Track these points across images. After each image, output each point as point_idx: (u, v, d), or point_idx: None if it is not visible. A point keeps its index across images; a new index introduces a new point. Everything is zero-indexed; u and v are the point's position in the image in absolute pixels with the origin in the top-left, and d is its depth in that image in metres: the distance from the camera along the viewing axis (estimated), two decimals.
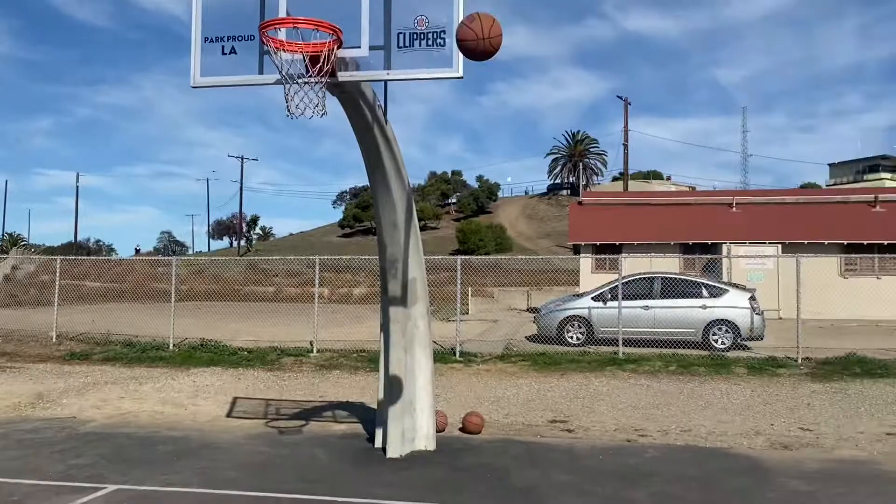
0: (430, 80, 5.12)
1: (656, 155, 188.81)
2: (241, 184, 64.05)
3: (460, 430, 8.30)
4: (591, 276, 23.27)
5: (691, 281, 15.36)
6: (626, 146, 46.64)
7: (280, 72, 4.82)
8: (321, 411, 9.53)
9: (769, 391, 10.99)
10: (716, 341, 14.53)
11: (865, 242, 22.18)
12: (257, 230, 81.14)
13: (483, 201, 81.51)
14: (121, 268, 37.33)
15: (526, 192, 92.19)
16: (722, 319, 14.54)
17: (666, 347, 14.22)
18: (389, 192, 6.53)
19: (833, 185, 79.78)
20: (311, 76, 4.76)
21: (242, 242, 67.40)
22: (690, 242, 23.16)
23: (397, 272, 6.97)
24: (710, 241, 23.05)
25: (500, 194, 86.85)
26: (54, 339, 15.98)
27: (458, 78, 4.89)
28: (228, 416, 9.27)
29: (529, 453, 7.34)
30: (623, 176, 54.52)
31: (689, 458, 7.20)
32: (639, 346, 14.18)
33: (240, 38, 5.15)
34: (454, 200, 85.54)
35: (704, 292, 14.86)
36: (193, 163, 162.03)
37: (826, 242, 22.24)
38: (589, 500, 5.70)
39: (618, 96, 45.37)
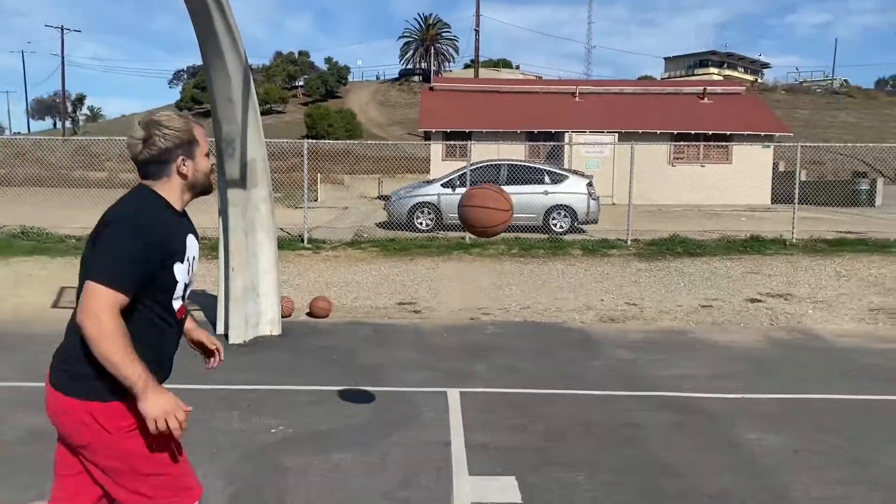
0: None
1: (506, 43, 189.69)
2: (63, 58, 57.86)
3: (307, 314, 8.25)
4: (441, 163, 23.46)
5: (535, 168, 15.82)
6: (477, 32, 46.55)
7: None
8: None
9: (601, 270, 11.73)
10: (555, 225, 15.22)
11: (693, 132, 23.72)
12: (84, 110, 74.34)
13: (332, 85, 78.85)
14: None
15: (377, 77, 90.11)
16: (561, 205, 15.19)
17: (509, 232, 14.73)
18: (223, 61, 6.05)
19: (667, 77, 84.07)
20: None
21: (68, 124, 61.58)
22: (536, 131, 23.75)
23: (234, 152, 6.58)
24: (553, 130, 23.76)
25: (350, 78, 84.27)
26: None
27: None
28: (55, 306, 8.66)
29: (377, 334, 7.44)
30: (474, 63, 54.54)
31: (526, 333, 7.60)
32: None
33: None
34: (301, 83, 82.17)
35: (547, 179, 15.39)
36: (4, 33, 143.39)
37: (658, 132, 23.60)
38: (432, 375, 5.88)
39: None
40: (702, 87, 26.52)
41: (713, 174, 23.64)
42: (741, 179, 23.51)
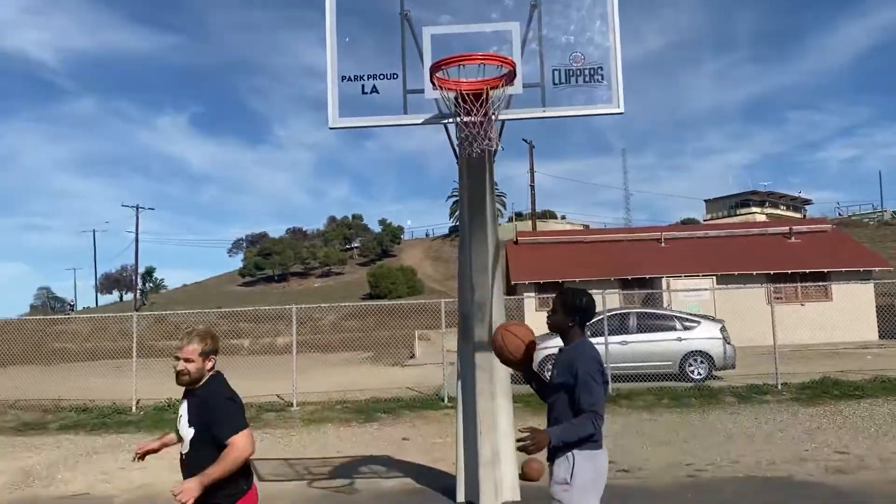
0: (589, 116, 5.04)
1: (544, 195, 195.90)
2: (137, 234, 60.95)
3: (519, 476, 8.04)
4: (535, 314, 23.56)
5: (665, 314, 15.80)
6: (532, 187, 47.94)
7: (440, 110, 4.60)
8: (356, 468, 9.03)
9: (771, 418, 11.35)
10: (692, 372, 14.96)
11: (789, 272, 23.66)
12: (150, 282, 77.15)
13: (387, 245, 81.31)
14: (10, 327, 34.45)
15: (427, 235, 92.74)
16: (697, 351, 15.00)
17: (641, 381, 14.48)
18: (485, 235, 6.35)
19: (710, 219, 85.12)
20: (476, 114, 4.57)
21: (137, 296, 63.76)
22: (630, 277, 23.93)
23: (484, 316, 6.75)
24: (647, 276, 23.92)
25: (402, 237, 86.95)
26: None
27: (620, 114, 4.85)
28: (261, 479, 8.59)
29: (615, 497, 7.19)
30: (525, 216, 56.07)
31: (772, 490, 7.29)
32: (618, 381, 14.37)
33: (381, 77, 4.90)
34: (357, 245, 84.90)
35: (678, 325, 15.32)
36: (63, 214, 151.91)
37: (755, 273, 23.58)
38: None
39: (523, 139, 46.60)
40: (787, 228, 26.74)
41: (814, 312, 23.31)
42: (844, 316, 23.12)
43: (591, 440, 3.63)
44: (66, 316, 43.85)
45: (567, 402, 3.69)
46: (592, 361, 3.67)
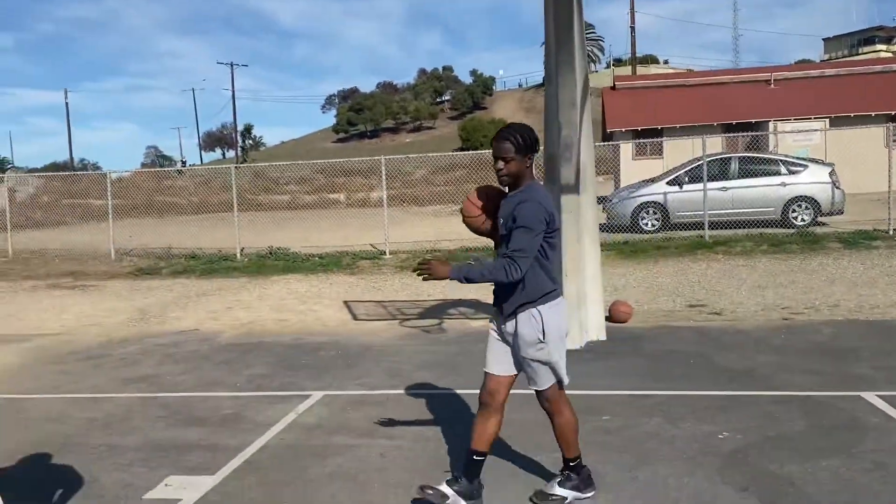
0: None
1: (647, 39, 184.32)
2: (233, 92, 62.17)
3: (606, 318, 8.05)
4: (631, 162, 22.84)
5: (770, 158, 14.98)
6: (632, 29, 45.12)
7: None
8: (445, 309, 9.28)
9: (879, 264, 10.83)
10: (795, 218, 14.31)
11: None
12: (249, 139, 79.37)
13: (478, 97, 79.80)
14: (121, 183, 36.40)
15: (520, 85, 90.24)
16: (803, 196, 14.26)
17: (742, 228, 13.97)
18: (573, 64, 6.00)
19: (828, 59, 78.47)
20: None
21: (238, 152, 65.90)
22: (734, 122, 22.63)
23: (571, 156, 6.51)
24: (753, 120, 22.54)
25: (494, 88, 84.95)
26: (113, 257, 15.56)
27: None
28: (356, 319, 8.99)
29: (703, 337, 7.12)
30: (625, 62, 53.21)
31: (872, 332, 7.02)
32: (716, 229, 13.92)
33: None
34: (448, 98, 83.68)
35: (783, 169, 14.51)
36: (166, 74, 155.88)
37: (873, 114, 21.80)
38: (822, 379, 5.49)
39: None
40: None
41: None
42: None
43: (552, 292, 3.35)
44: (181, 169, 45.86)
45: None
46: (537, 206, 3.22)
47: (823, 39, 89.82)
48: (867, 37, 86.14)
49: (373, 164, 23.20)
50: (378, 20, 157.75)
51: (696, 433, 4.43)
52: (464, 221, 3.58)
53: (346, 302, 10.17)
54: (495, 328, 3.54)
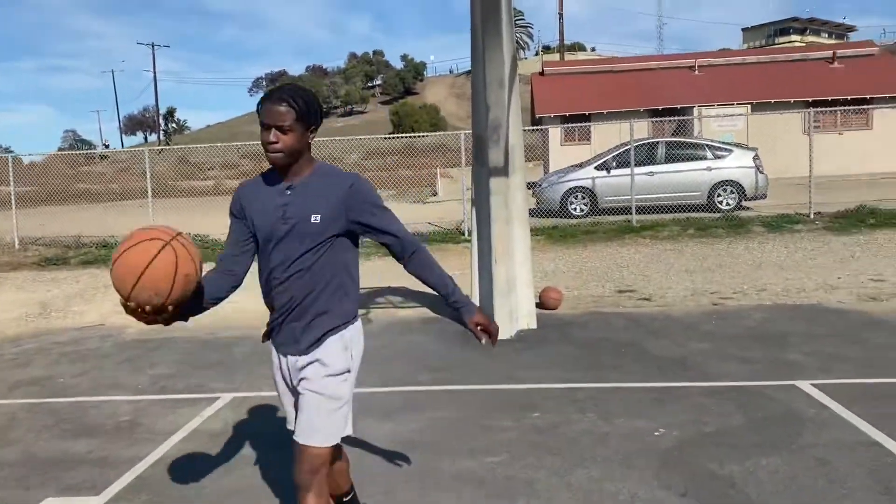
0: None
1: (573, 27, 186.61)
2: (154, 73, 59.73)
3: (537, 305, 7.81)
4: (560, 149, 22.83)
5: (695, 143, 15.07)
6: (561, 15, 45.33)
7: None
8: (372, 299, 8.86)
9: (802, 247, 10.96)
10: (720, 202, 14.44)
11: (829, 98, 22.36)
12: (172, 123, 76.62)
13: (410, 82, 79.12)
14: (35, 169, 34.42)
15: (451, 71, 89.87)
16: (727, 180, 14.39)
17: (668, 212, 14.01)
18: (500, 41, 5.67)
19: (746, 48, 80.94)
20: None
21: (160, 136, 63.49)
22: (660, 108, 22.84)
23: (499, 138, 6.20)
24: (678, 106, 22.81)
25: (425, 74, 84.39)
26: (17, 246, 14.51)
27: None
28: None
29: (635, 324, 6.94)
30: (553, 49, 53.48)
31: (798, 317, 6.96)
32: (644, 213, 13.91)
33: None
34: (379, 82, 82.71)
35: (708, 154, 14.61)
36: (84, 55, 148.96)
37: (792, 101, 22.35)
38: (756, 367, 5.36)
39: None
40: (831, 52, 25.03)
41: (852, 142, 22.30)
42: (883, 146, 22.11)
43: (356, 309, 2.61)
44: (105, 153, 43.69)
45: (339, 253, 2.50)
46: (369, 185, 2.54)
47: (742, 29, 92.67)
48: (783, 27, 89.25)
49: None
50: (307, 2, 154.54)
51: (630, 430, 4.19)
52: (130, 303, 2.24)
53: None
54: (280, 367, 2.64)
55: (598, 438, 4.08)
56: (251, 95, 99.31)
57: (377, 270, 10.99)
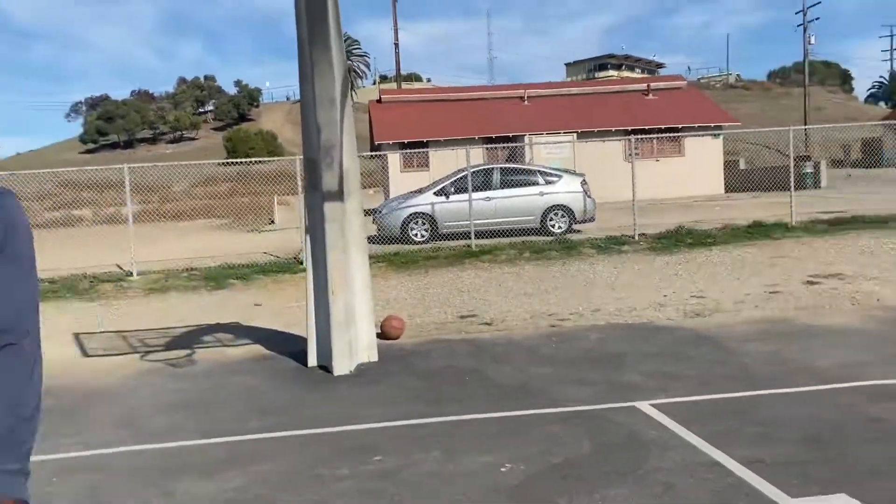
0: None
1: (410, 57, 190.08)
2: None
3: (378, 335, 7.51)
4: (400, 175, 22.81)
5: (528, 169, 15.48)
6: (396, 46, 45.90)
7: None
8: (198, 337, 8.17)
9: (630, 267, 11.44)
10: (553, 226, 14.87)
11: (646, 127, 24.00)
12: None
13: (244, 108, 76.75)
14: None
15: (287, 98, 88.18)
16: (558, 205, 14.86)
17: (506, 236, 14.25)
18: (330, 58, 5.35)
19: (570, 81, 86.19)
20: None
21: None
22: (494, 136, 23.45)
23: (333, 161, 5.86)
24: (510, 134, 23.53)
25: (261, 100, 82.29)
26: None
27: None
28: (86, 356, 7.59)
29: (479, 350, 6.81)
30: (390, 79, 54.04)
31: (633, 336, 7.14)
32: (482, 238, 14.06)
33: None
34: (212, 108, 79.58)
35: (541, 179, 15.05)
36: None
37: (613, 129, 23.76)
38: (597, 389, 5.34)
39: None
40: (645, 85, 26.97)
41: (667, 168, 24.02)
42: (695, 171, 24.01)
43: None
44: None
45: None
46: (27, 232, 1.56)
47: (565, 64, 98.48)
48: (601, 63, 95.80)
49: (119, 175, 20.87)
50: (129, 25, 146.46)
51: (477, 468, 3.95)
52: None
53: (76, 335, 8.63)
54: None
55: (444, 480, 3.81)
56: (69, 121, 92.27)
57: (205, 306, 10.24)
